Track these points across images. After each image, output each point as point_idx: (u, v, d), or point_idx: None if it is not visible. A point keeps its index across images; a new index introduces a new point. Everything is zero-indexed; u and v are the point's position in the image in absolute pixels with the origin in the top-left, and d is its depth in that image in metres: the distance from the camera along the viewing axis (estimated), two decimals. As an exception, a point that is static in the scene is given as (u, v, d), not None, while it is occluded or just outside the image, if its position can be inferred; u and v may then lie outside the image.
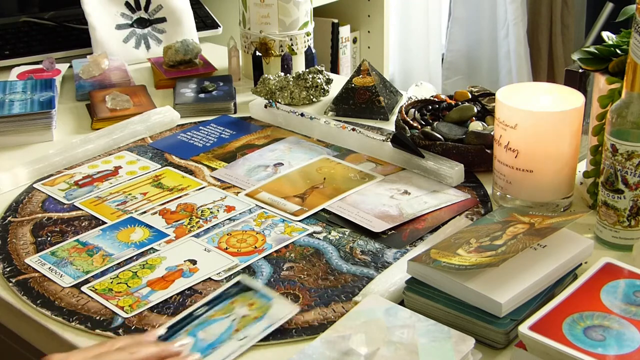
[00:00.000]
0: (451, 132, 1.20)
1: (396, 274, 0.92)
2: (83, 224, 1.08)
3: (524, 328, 0.76)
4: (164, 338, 0.83)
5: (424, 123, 1.25)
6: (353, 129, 1.28)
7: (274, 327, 0.85)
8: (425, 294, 0.86)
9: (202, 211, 1.10)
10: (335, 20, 2.24)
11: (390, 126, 1.35)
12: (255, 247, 1.01)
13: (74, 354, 0.77)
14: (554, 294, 0.86)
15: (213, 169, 1.22)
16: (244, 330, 0.85)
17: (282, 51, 1.53)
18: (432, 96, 1.32)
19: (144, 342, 0.80)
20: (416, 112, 1.28)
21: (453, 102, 1.29)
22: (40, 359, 0.78)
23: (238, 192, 1.15)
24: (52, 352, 0.92)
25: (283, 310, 0.87)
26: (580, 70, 1.14)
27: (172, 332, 0.84)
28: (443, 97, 1.31)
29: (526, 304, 0.83)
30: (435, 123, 1.23)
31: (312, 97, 1.45)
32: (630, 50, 0.91)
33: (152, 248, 1.02)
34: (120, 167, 1.23)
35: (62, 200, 1.14)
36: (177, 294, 0.93)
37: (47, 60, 1.59)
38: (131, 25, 1.68)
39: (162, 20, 1.70)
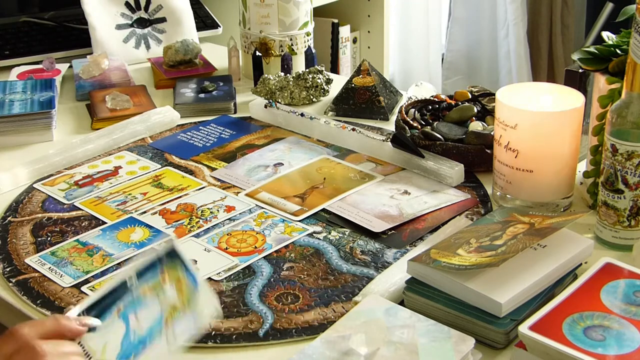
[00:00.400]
0: (451, 132, 1.20)
1: (396, 274, 0.92)
2: (83, 224, 1.08)
3: (524, 328, 0.76)
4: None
5: (424, 123, 1.25)
6: (353, 129, 1.28)
7: (198, 332, 0.79)
8: (425, 294, 0.86)
9: (202, 211, 1.10)
10: (335, 20, 2.24)
11: (390, 126, 1.35)
12: (255, 247, 1.01)
13: (28, 328, 0.70)
14: (554, 294, 0.86)
15: (213, 169, 1.22)
16: (173, 328, 0.78)
17: (282, 51, 1.53)
18: (432, 96, 1.32)
19: (59, 341, 0.71)
20: (416, 112, 1.28)
21: (453, 102, 1.29)
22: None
23: (238, 192, 1.15)
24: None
25: (207, 309, 0.80)
26: (580, 70, 1.14)
27: (107, 305, 0.76)
28: (443, 97, 1.31)
29: (526, 304, 0.83)
30: (435, 123, 1.23)
31: (312, 97, 1.45)
32: (630, 50, 0.91)
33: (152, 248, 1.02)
34: (120, 167, 1.23)
35: (62, 200, 1.14)
36: (177, 294, 0.93)
37: (47, 60, 1.59)
38: (131, 25, 1.68)
39: (162, 20, 1.70)
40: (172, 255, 0.80)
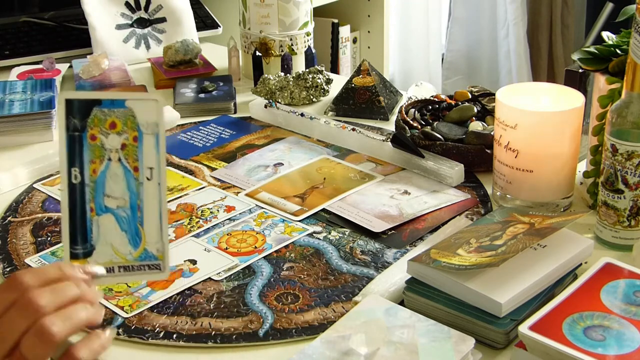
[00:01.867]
0: (451, 132, 1.20)
1: (396, 274, 0.92)
2: (83, 224, 1.08)
3: (524, 328, 0.76)
4: None
5: (424, 123, 1.25)
6: (353, 129, 1.28)
7: (162, 136, 0.70)
8: (425, 294, 0.86)
9: (202, 211, 1.10)
10: (335, 20, 2.24)
11: (390, 126, 1.35)
12: (255, 247, 1.01)
13: (30, 275, 0.65)
14: (554, 294, 0.86)
15: (213, 169, 1.22)
16: (141, 162, 0.70)
17: (282, 51, 1.53)
18: (432, 96, 1.32)
19: (63, 284, 0.66)
20: (416, 112, 1.28)
21: (453, 102, 1.29)
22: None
23: (238, 192, 1.15)
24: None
25: (149, 110, 0.70)
26: (580, 70, 1.14)
27: (79, 221, 0.70)
28: (443, 97, 1.31)
29: (526, 304, 0.83)
30: (435, 123, 1.23)
31: (312, 97, 1.45)
32: (630, 50, 0.91)
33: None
34: (120, 167, 1.23)
35: (62, 200, 1.14)
36: (177, 294, 0.93)
37: (47, 60, 1.59)
38: (131, 25, 1.68)
39: (162, 20, 1.70)
40: (82, 110, 0.69)
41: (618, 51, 1.04)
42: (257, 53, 1.52)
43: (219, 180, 1.19)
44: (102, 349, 0.67)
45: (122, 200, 0.69)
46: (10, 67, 1.61)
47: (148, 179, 0.69)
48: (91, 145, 0.68)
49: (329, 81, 1.47)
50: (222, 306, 0.91)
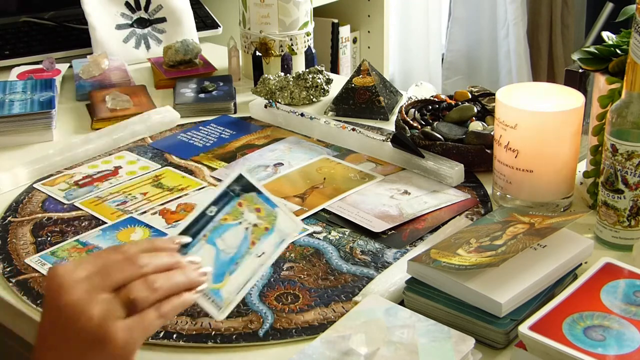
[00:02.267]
0: (451, 132, 1.20)
1: (396, 274, 0.92)
2: (83, 224, 1.08)
3: (524, 328, 0.76)
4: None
5: (424, 123, 1.25)
6: (353, 129, 1.28)
7: (285, 244, 0.84)
8: (425, 294, 0.86)
9: (202, 211, 1.10)
10: (335, 20, 2.24)
11: (390, 126, 1.35)
12: (255, 247, 1.01)
13: (82, 265, 0.70)
14: (554, 294, 0.86)
15: (213, 169, 1.22)
16: (259, 244, 0.83)
17: (282, 51, 1.53)
18: (432, 96, 1.32)
19: (159, 253, 0.74)
20: (416, 112, 1.28)
21: (453, 102, 1.29)
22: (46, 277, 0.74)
23: (238, 192, 1.15)
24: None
25: (289, 224, 0.85)
26: (580, 70, 1.14)
27: (191, 236, 0.81)
28: (443, 97, 1.31)
29: (526, 304, 0.83)
30: (435, 123, 1.23)
31: (312, 97, 1.45)
32: (630, 50, 0.91)
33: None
34: (120, 167, 1.23)
35: (62, 200, 1.14)
36: (177, 294, 0.93)
37: (47, 60, 1.59)
38: (131, 25, 1.68)
39: (162, 20, 1.70)
40: (245, 186, 0.83)
41: (618, 51, 1.04)
42: (257, 53, 1.52)
43: (219, 180, 1.19)
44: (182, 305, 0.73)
45: (229, 249, 0.79)
46: (10, 67, 1.61)
47: (257, 255, 0.80)
48: (235, 207, 0.81)
49: (329, 81, 1.47)
50: (222, 306, 0.91)
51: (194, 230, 0.79)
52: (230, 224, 0.82)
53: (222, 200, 0.83)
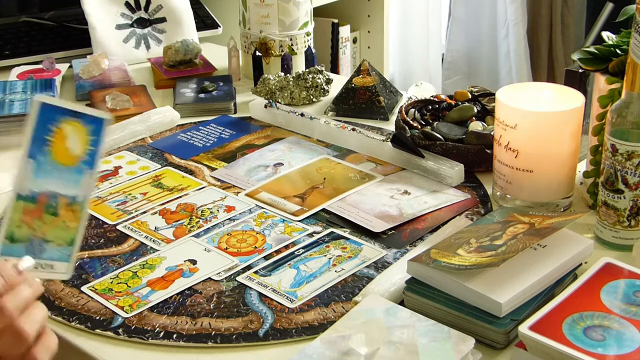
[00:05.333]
0: (451, 132, 1.20)
1: (396, 274, 0.92)
2: (83, 224, 1.08)
3: (524, 328, 0.76)
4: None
5: (424, 123, 1.25)
6: (353, 129, 1.28)
7: (367, 264, 0.93)
8: (425, 294, 0.86)
9: (202, 211, 1.10)
10: (335, 20, 2.24)
11: (390, 126, 1.35)
12: (255, 247, 1.01)
13: None
14: (554, 294, 0.86)
15: (213, 169, 1.22)
16: (340, 265, 0.93)
17: (282, 51, 1.53)
18: (432, 96, 1.32)
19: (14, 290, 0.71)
20: (416, 112, 1.28)
21: (453, 102, 1.29)
22: None
23: (238, 192, 1.15)
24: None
25: (373, 252, 0.96)
26: (580, 70, 1.14)
27: (273, 267, 0.93)
28: (443, 97, 1.31)
29: (526, 304, 0.83)
30: (435, 123, 1.23)
31: (312, 97, 1.45)
32: (630, 50, 0.91)
33: (152, 248, 1.02)
34: (120, 167, 1.23)
35: (62, 200, 1.14)
36: (177, 294, 0.93)
37: (47, 60, 1.59)
38: (131, 25, 1.68)
39: (162, 20, 1.70)
40: (335, 237, 0.98)
41: (618, 51, 1.04)
42: (257, 53, 1.52)
43: (219, 180, 1.19)
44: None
45: (305, 272, 0.93)
46: (10, 67, 1.61)
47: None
48: (325, 245, 0.97)
49: (329, 81, 1.47)
50: (222, 306, 0.91)
51: (279, 263, 0.93)
52: (315, 257, 0.94)
53: (310, 245, 0.96)
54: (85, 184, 0.75)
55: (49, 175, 0.74)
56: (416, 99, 1.31)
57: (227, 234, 1.04)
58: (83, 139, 0.76)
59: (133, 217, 1.09)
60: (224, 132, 1.35)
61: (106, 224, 1.08)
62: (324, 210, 1.10)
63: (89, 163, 0.76)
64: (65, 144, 0.74)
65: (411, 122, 1.24)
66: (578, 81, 1.16)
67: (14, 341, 0.70)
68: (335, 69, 2.27)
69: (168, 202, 1.13)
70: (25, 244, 0.73)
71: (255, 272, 0.96)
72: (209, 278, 0.96)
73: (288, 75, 1.45)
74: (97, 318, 0.89)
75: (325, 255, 0.98)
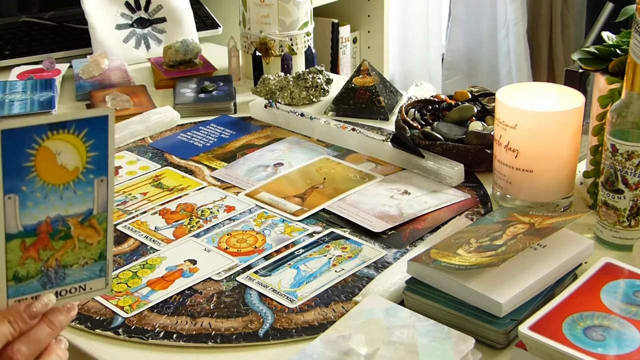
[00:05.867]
0: (451, 132, 1.20)
1: (396, 274, 0.92)
2: (83, 224, 1.08)
3: (524, 328, 0.76)
4: None
5: (424, 123, 1.25)
6: (353, 129, 1.28)
7: (367, 264, 0.95)
8: (425, 294, 0.86)
9: (202, 211, 1.10)
10: (335, 20, 2.24)
11: (390, 126, 1.35)
12: (255, 247, 1.01)
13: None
14: (554, 294, 0.86)
15: (213, 169, 1.22)
16: (340, 265, 0.94)
17: (282, 51, 1.53)
18: (432, 96, 1.32)
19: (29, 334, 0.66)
20: (416, 112, 1.28)
21: (453, 102, 1.29)
22: None
23: (238, 192, 1.15)
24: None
25: (373, 252, 0.97)
26: (580, 70, 1.14)
27: (273, 267, 0.93)
28: (443, 97, 1.31)
29: (526, 304, 0.83)
30: (435, 123, 1.23)
31: (312, 97, 1.45)
32: (630, 50, 0.91)
33: (152, 248, 1.02)
34: (120, 167, 1.23)
35: (62, 200, 1.14)
36: (177, 294, 0.93)
37: (47, 60, 1.59)
38: (131, 25, 1.68)
39: (162, 20, 1.70)
40: (335, 237, 0.99)
41: (618, 51, 1.04)
42: (257, 53, 1.52)
43: (219, 180, 1.19)
44: None
45: (305, 272, 0.95)
46: (10, 67, 1.61)
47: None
48: (325, 245, 0.99)
49: (329, 81, 1.47)
50: (222, 306, 0.91)
51: (279, 263, 0.95)
52: (315, 257, 0.95)
53: (310, 245, 0.99)
54: (99, 193, 0.67)
55: (44, 201, 0.65)
56: (416, 99, 1.31)
57: (227, 234, 1.04)
58: (78, 148, 0.65)
59: (133, 217, 1.09)
60: (224, 132, 1.35)
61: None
62: (324, 210, 1.10)
63: (96, 171, 0.66)
64: (55, 162, 0.64)
65: (411, 122, 1.24)
66: (578, 81, 1.16)
67: None
68: (335, 69, 2.27)
69: (168, 202, 1.13)
70: (37, 278, 0.67)
71: (255, 272, 0.96)
72: (209, 278, 0.96)
73: (288, 75, 1.45)
74: (97, 318, 0.89)
75: (325, 255, 0.98)
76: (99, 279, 0.70)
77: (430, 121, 1.25)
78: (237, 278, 0.95)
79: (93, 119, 0.64)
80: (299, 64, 1.55)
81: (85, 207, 0.66)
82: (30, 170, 0.62)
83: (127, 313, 0.90)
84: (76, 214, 0.66)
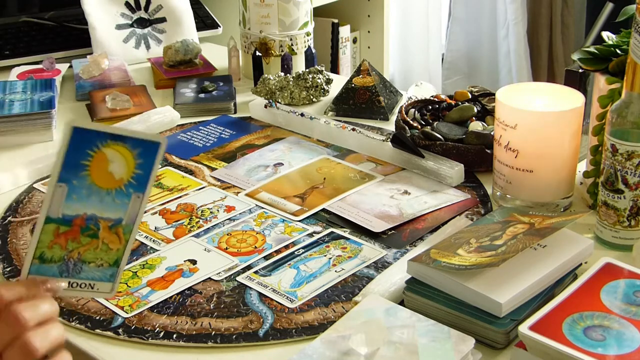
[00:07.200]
0: (451, 132, 1.20)
1: (396, 274, 0.92)
2: (83, 224, 1.08)
3: (524, 328, 0.76)
4: None
5: (424, 123, 1.25)
6: (353, 129, 1.28)
7: (367, 264, 0.95)
8: (425, 294, 0.86)
9: (202, 211, 1.10)
10: (335, 20, 2.24)
11: (390, 126, 1.35)
12: (255, 247, 1.01)
13: (6, 290, 0.69)
14: (554, 294, 0.86)
15: (213, 169, 1.22)
16: (340, 265, 0.95)
17: (282, 51, 1.53)
18: (432, 96, 1.32)
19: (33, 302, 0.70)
20: (416, 112, 1.28)
21: (453, 102, 1.29)
22: None
23: (238, 192, 1.15)
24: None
25: (373, 252, 0.98)
26: (580, 70, 1.14)
27: (273, 267, 0.94)
28: (443, 97, 1.31)
29: (526, 304, 0.83)
30: (435, 123, 1.23)
31: (312, 97, 1.45)
32: (630, 50, 0.91)
33: (152, 248, 1.02)
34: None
35: (62, 200, 1.14)
36: (177, 294, 0.93)
37: (47, 60, 1.59)
38: (131, 25, 1.68)
39: (162, 20, 1.70)
40: (335, 237, 0.99)
41: (618, 51, 1.04)
42: (257, 53, 1.52)
43: (219, 180, 1.19)
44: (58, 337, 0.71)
45: (305, 272, 0.96)
46: (10, 67, 1.61)
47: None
48: (325, 245, 1.00)
49: (329, 81, 1.47)
50: (222, 306, 0.91)
51: (279, 263, 0.95)
52: (315, 257, 0.97)
53: (310, 245, 0.99)
54: (132, 207, 0.73)
55: (86, 199, 0.71)
56: (416, 99, 1.31)
57: (227, 234, 1.04)
58: (129, 162, 0.71)
59: (133, 217, 1.09)
60: (224, 132, 1.35)
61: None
62: (324, 210, 1.10)
63: (136, 187, 0.72)
64: (107, 168, 0.70)
65: (411, 122, 1.24)
66: (578, 81, 1.16)
67: (21, 354, 0.67)
68: (335, 69, 2.27)
69: (168, 202, 1.13)
70: (57, 264, 0.72)
71: (255, 272, 0.96)
72: (209, 278, 0.96)
73: (288, 75, 1.45)
74: (97, 318, 0.89)
75: (325, 255, 0.98)
76: (107, 283, 0.75)
77: (430, 121, 1.25)
78: (237, 278, 0.95)
79: (148, 142, 0.70)
80: (299, 64, 1.55)
81: (117, 215, 0.72)
82: (85, 168, 0.69)
83: (127, 313, 0.90)
84: (108, 219, 0.72)
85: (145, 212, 1.10)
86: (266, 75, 1.43)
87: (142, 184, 0.72)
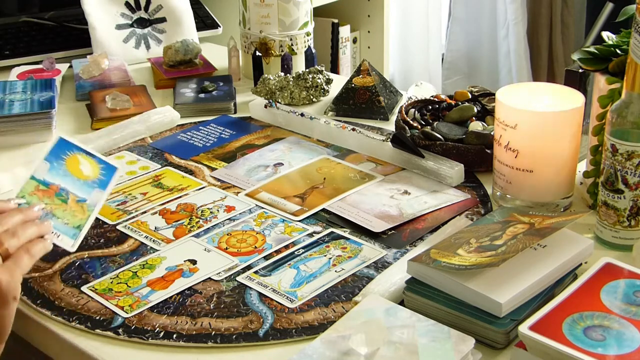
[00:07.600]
0: (451, 132, 1.20)
1: (396, 274, 0.92)
2: (83, 224, 1.08)
3: (524, 328, 0.76)
4: None
5: (424, 123, 1.25)
6: (353, 129, 1.28)
7: (367, 264, 0.96)
8: (425, 294, 0.86)
9: (202, 211, 1.10)
10: (335, 20, 2.24)
11: (390, 126, 1.35)
12: (255, 247, 1.01)
13: None
14: (554, 294, 0.86)
15: (213, 169, 1.22)
16: (340, 265, 0.96)
17: (282, 51, 1.53)
18: (432, 96, 1.32)
19: (7, 214, 0.91)
20: (416, 112, 1.28)
21: (453, 102, 1.29)
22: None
23: (238, 192, 1.15)
24: (53, 352, 0.92)
25: (373, 252, 0.99)
26: (580, 70, 1.14)
27: (273, 267, 0.97)
28: (443, 97, 1.31)
29: (526, 304, 0.83)
30: (435, 123, 1.23)
31: (312, 97, 1.45)
32: (630, 50, 0.91)
33: (152, 248, 1.02)
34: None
35: (62, 200, 1.14)
36: (177, 294, 0.93)
37: (47, 60, 1.59)
38: (131, 25, 1.68)
39: (162, 20, 1.70)
40: (335, 237, 1.03)
41: (618, 51, 1.04)
42: (257, 53, 1.52)
43: (219, 180, 1.19)
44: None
45: (305, 272, 0.96)
46: (10, 67, 1.61)
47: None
48: (325, 245, 1.02)
49: (329, 81, 1.47)
50: (222, 306, 0.91)
51: (278, 263, 0.97)
52: (315, 257, 0.98)
53: (310, 245, 1.00)
54: (95, 196, 0.98)
55: (62, 176, 0.98)
56: (416, 99, 1.31)
57: (227, 234, 1.04)
58: (95, 170, 0.99)
59: (133, 217, 1.09)
60: (224, 132, 1.35)
61: (106, 224, 1.08)
62: (324, 210, 1.10)
63: (99, 185, 0.99)
64: (78, 166, 0.99)
65: (411, 122, 1.24)
66: (578, 81, 1.16)
67: (8, 236, 0.87)
68: (335, 69, 2.27)
69: (168, 202, 1.13)
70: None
71: (255, 272, 0.96)
72: (209, 278, 0.96)
73: (288, 75, 1.45)
74: (97, 318, 0.89)
75: (325, 255, 0.99)
76: (70, 239, 0.96)
77: (430, 121, 1.25)
78: (237, 278, 0.95)
79: (109, 165, 1.00)
80: (299, 64, 1.55)
81: (83, 196, 0.98)
82: (64, 159, 1.00)
83: (127, 313, 0.90)
84: (76, 195, 0.98)
85: (145, 212, 1.10)
86: (266, 75, 1.44)
87: (104, 185, 0.99)
